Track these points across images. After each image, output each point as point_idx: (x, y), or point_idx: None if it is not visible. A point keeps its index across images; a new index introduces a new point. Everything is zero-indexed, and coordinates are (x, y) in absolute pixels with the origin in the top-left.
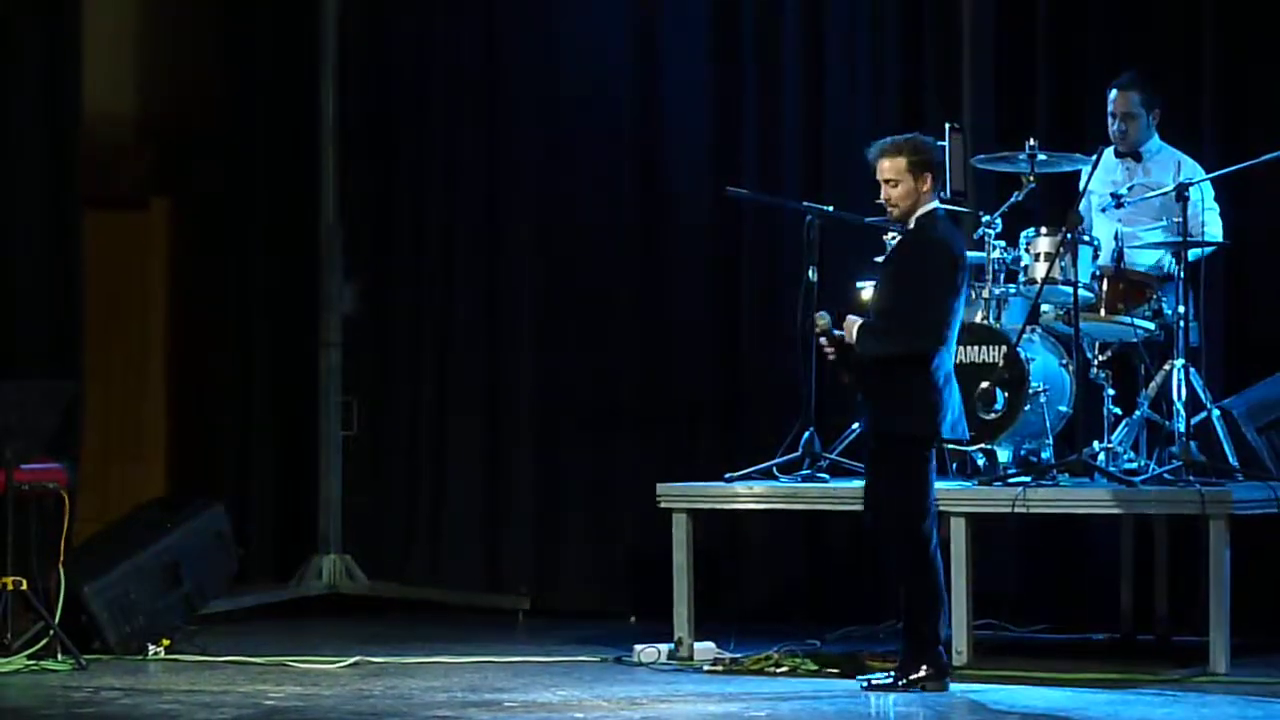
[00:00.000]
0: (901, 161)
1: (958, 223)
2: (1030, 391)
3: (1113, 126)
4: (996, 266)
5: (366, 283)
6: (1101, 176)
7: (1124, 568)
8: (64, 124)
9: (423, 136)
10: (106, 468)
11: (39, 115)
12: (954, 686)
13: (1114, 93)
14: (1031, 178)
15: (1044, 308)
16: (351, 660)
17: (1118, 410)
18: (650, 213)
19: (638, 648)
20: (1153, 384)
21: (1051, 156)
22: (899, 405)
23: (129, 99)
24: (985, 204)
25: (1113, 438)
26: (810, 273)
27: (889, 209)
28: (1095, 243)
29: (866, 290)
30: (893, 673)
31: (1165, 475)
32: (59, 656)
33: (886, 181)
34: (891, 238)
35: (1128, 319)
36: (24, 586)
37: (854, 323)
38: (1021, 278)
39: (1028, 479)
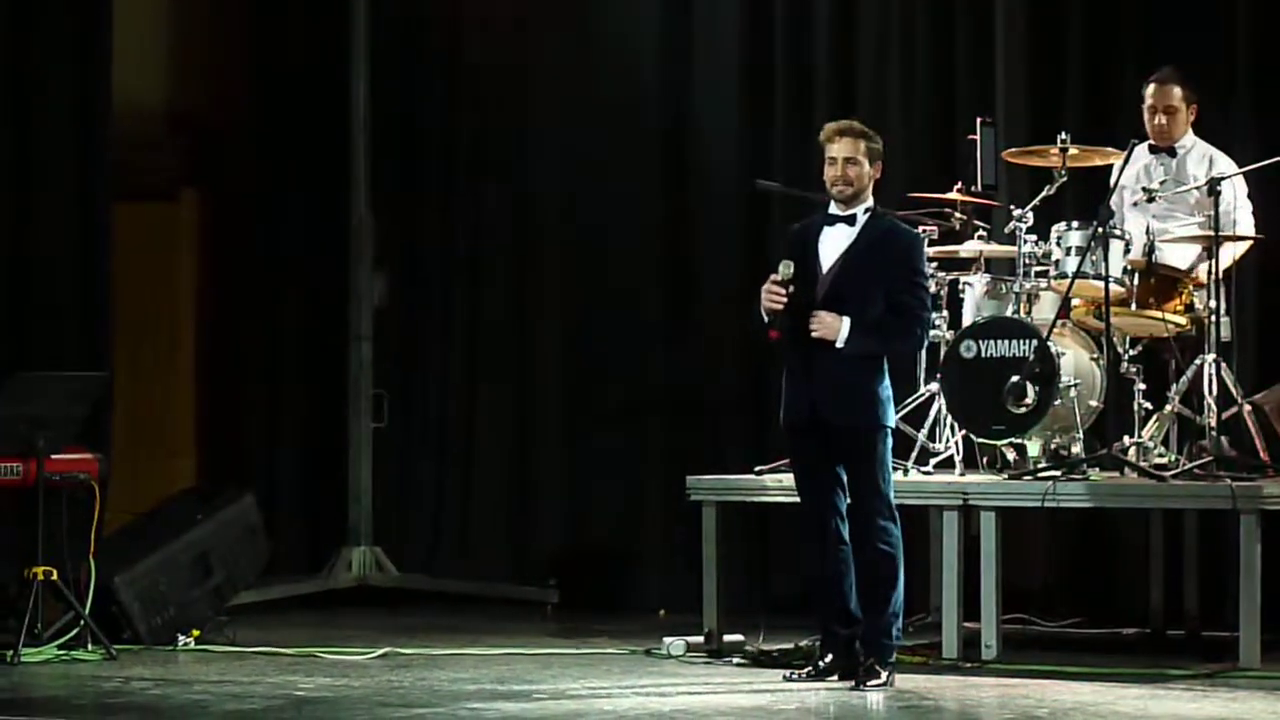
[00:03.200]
0: (862, 144)
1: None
2: (1061, 385)
3: (1153, 121)
4: (1027, 260)
5: (396, 275)
6: (1133, 171)
7: (1154, 562)
8: (94, 116)
9: (453, 129)
10: (137, 459)
11: (69, 107)
12: (984, 680)
13: (1152, 87)
14: (1063, 171)
15: (1074, 302)
16: (381, 652)
17: (1148, 405)
18: (679, 206)
19: (666, 640)
20: (1184, 378)
21: (1083, 150)
22: (872, 396)
23: (159, 91)
24: (1016, 197)
25: (1143, 432)
26: None
27: (841, 188)
28: (1126, 237)
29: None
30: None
31: (1196, 470)
32: (89, 646)
33: (847, 160)
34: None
35: (1158, 314)
36: (54, 577)
37: (836, 320)
38: (1052, 272)
39: (1058, 473)
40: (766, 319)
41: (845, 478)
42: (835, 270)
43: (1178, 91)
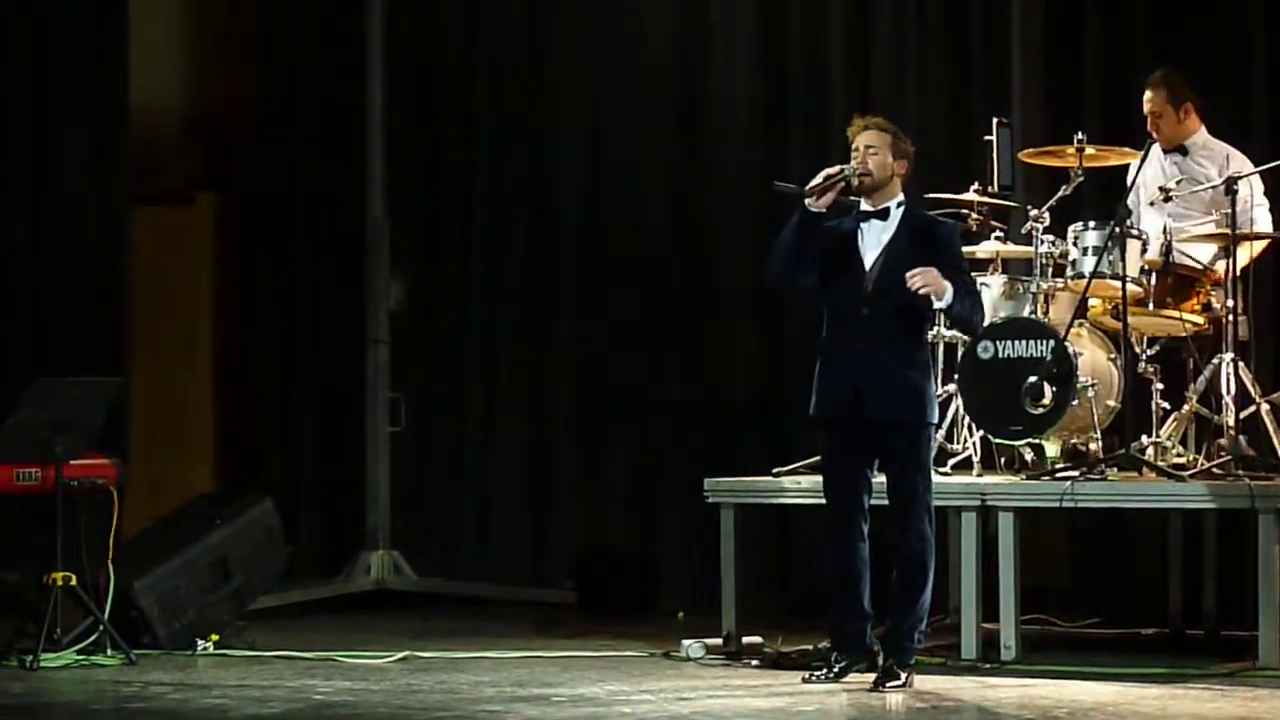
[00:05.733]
0: (886, 137)
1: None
2: (1079, 386)
3: (1149, 124)
4: (1044, 260)
5: (413, 278)
6: (1150, 170)
7: (1172, 562)
8: (111, 120)
9: (469, 130)
10: (154, 464)
11: (86, 112)
12: (1002, 681)
13: (1146, 91)
14: (1079, 171)
15: (1092, 302)
16: (400, 655)
17: (1166, 404)
18: (697, 209)
19: (685, 642)
20: (1201, 378)
21: (1100, 150)
22: (920, 392)
23: (176, 95)
24: (1033, 198)
25: (1161, 432)
26: None
27: (860, 177)
28: (1143, 237)
29: None
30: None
31: (1214, 469)
32: (108, 651)
33: (868, 148)
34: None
35: (1176, 313)
36: (73, 582)
37: (940, 278)
38: (1069, 272)
39: (1076, 473)
40: (818, 181)
41: (879, 475)
42: (880, 264)
43: (1160, 95)
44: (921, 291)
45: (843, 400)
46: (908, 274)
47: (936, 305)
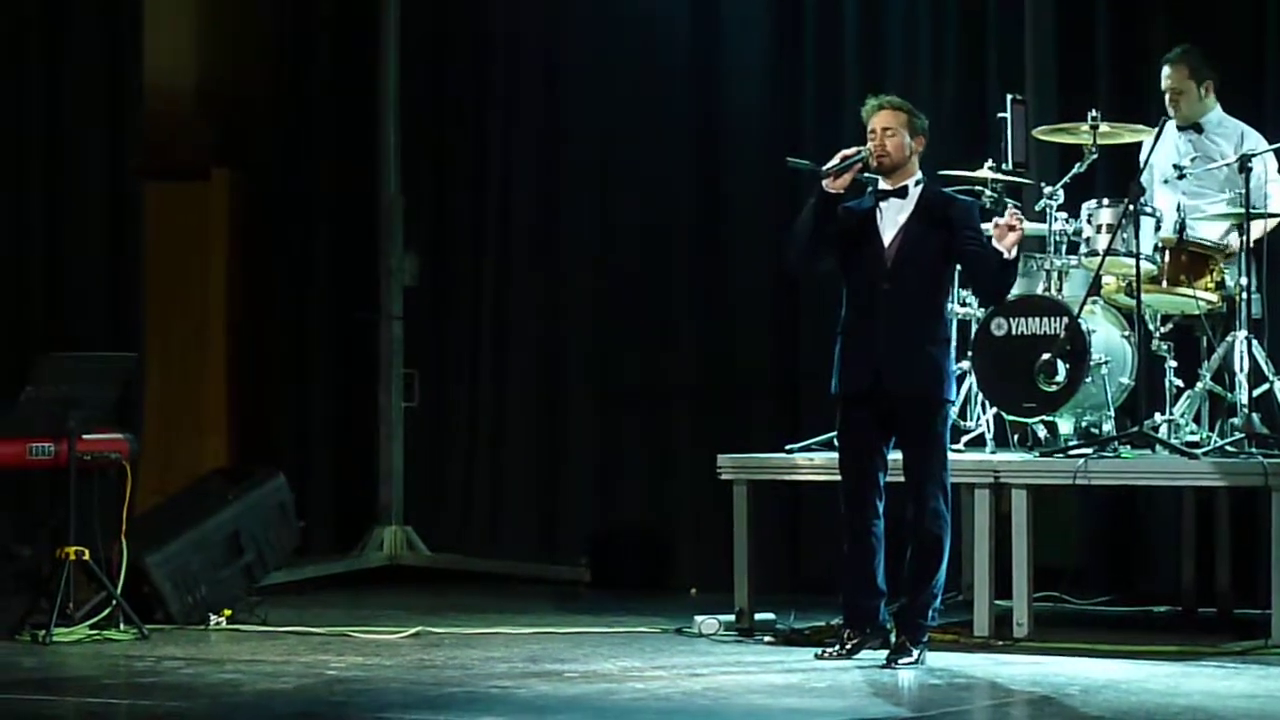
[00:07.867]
0: (902, 116)
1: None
2: (1092, 363)
3: (1167, 101)
4: (1058, 238)
5: (427, 254)
6: (1164, 148)
7: (1185, 540)
8: (125, 96)
9: (483, 106)
10: (168, 439)
11: (100, 87)
12: (1015, 658)
13: (1165, 68)
14: (1093, 149)
15: (1105, 279)
16: (412, 631)
17: (1179, 382)
18: (710, 183)
19: (698, 619)
20: (1215, 356)
21: (1114, 127)
22: (939, 368)
23: (190, 70)
24: (1047, 175)
25: (1174, 410)
26: None
27: (879, 159)
28: (1157, 214)
29: None
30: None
31: (1227, 447)
32: (121, 626)
33: (885, 130)
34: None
35: (1190, 291)
36: (86, 557)
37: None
38: (1083, 249)
39: (1089, 451)
40: (835, 163)
41: (898, 454)
42: (899, 240)
43: (1181, 72)
44: (1015, 230)
45: (863, 377)
46: (1011, 209)
47: (1008, 256)
